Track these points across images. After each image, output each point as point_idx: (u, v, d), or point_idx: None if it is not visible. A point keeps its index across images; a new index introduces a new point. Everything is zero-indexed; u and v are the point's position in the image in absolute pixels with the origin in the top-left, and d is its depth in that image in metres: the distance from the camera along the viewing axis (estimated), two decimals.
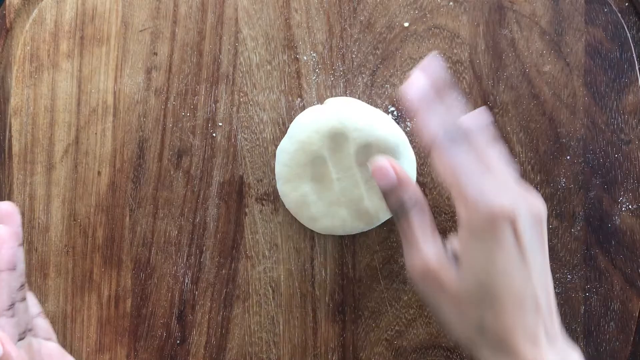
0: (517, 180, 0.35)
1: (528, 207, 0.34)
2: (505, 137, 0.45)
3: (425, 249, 0.36)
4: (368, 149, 0.42)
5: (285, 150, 0.43)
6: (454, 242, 0.37)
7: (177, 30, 0.46)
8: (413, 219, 0.36)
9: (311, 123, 0.43)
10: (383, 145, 0.42)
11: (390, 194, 0.37)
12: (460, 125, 0.35)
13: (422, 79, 0.35)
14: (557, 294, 0.45)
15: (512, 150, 0.45)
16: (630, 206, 0.45)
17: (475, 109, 0.45)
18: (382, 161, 0.37)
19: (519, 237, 0.33)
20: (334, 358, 0.46)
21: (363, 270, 0.46)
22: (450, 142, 0.34)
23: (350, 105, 0.43)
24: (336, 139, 0.42)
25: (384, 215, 0.43)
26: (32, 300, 0.39)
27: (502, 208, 0.33)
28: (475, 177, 0.34)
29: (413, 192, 0.37)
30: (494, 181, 0.34)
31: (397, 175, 0.37)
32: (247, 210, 0.46)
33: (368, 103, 0.45)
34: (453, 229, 0.45)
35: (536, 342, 0.34)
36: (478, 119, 0.36)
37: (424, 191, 0.45)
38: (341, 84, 0.45)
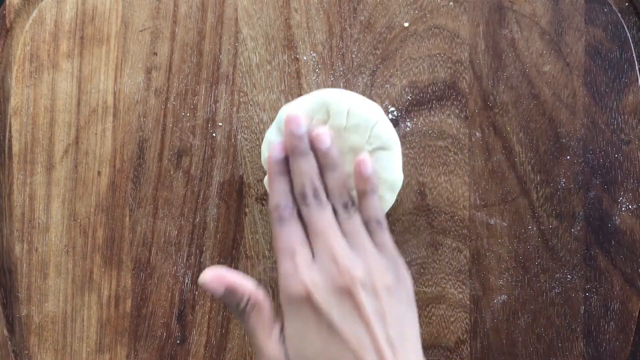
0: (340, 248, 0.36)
1: (331, 281, 0.35)
2: (504, 137, 0.45)
3: (265, 348, 0.36)
4: (358, 137, 0.41)
5: (271, 137, 0.42)
6: None
7: (177, 30, 0.46)
8: (251, 321, 0.37)
9: (296, 108, 0.42)
10: (371, 135, 0.41)
11: (225, 299, 0.38)
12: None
13: (278, 147, 0.39)
14: (556, 294, 0.45)
15: (511, 150, 0.45)
16: (630, 206, 0.45)
17: (475, 109, 0.45)
18: (207, 275, 0.37)
19: (320, 310, 0.35)
20: None
21: None
22: (278, 219, 0.37)
23: (340, 93, 0.42)
24: (319, 116, 0.41)
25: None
26: None
27: (295, 290, 0.35)
28: (283, 257, 0.36)
29: (246, 294, 0.37)
30: (303, 261, 0.36)
31: (226, 284, 0.37)
32: (247, 210, 0.46)
33: None
34: (453, 229, 0.45)
35: None
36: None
37: (423, 191, 0.45)
38: (341, 84, 0.45)
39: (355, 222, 0.38)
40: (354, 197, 0.39)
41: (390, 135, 0.42)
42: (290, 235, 0.37)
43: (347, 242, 0.37)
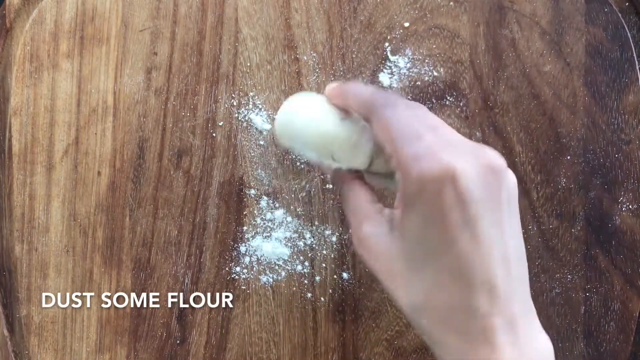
0: (465, 139, 0.31)
1: (476, 160, 0.29)
2: (505, 137, 0.45)
3: (357, 231, 0.33)
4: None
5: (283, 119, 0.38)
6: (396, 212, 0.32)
7: (177, 30, 0.46)
8: (348, 194, 0.34)
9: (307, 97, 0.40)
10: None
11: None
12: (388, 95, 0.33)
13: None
14: (557, 294, 0.45)
15: (512, 150, 0.45)
16: (630, 206, 0.45)
17: (475, 109, 0.45)
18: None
19: (462, 198, 0.28)
20: (334, 358, 0.46)
21: (363, 270, 0.46)
22: (387, 103, 0.32)
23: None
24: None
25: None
26: None
27: (438, 167, 0.28)
28: (411, 136, 0.30)
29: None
30: (433, 140, 0.30)
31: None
32: (247, 210, 0.46)
33: None
34: None
35: (485, 328, 0.28)
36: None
37: None
38: None
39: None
40: None
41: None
42: (409, 116, 0.31)
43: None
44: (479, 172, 0.29)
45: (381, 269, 0.32)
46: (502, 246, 0.29)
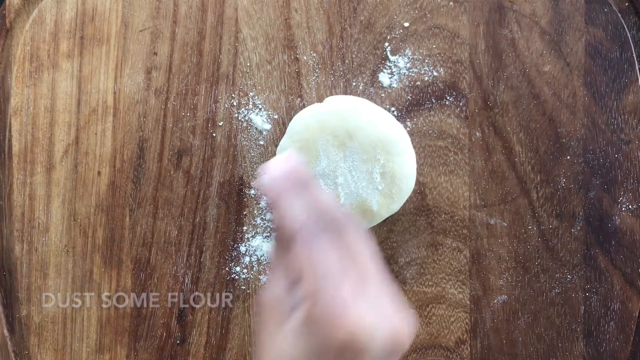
0: (384, 286, 0.30)
1: (385, 334, 0.28)
2: (505, 137, 0.45)
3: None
4: (370, 147, 0.42)
5: (286, 149, 0.43)
6: None
7: (177, 30, 0.46)
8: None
9: (312, 121, 0.43)
10: (385, 143, 0.42)
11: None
12: (327, 213, 0.30)
13: (280, 165, 0.32)
14: (556, 294, 0.45)
15: (512, 150, 0.45)
16: (630, 206, 0.45)
17: (475, 109, 0.45)
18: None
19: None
20: None
21: None
22: (314, 232, 0.30)
23: (352, 102, 0.43)
24: (338, 137, 0.42)
25: (386, 212, 0.43)
26: None
27: (351, 335, 0.27)
28: (332, 281, 0.28)
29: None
30: (352, 291, 0.28)
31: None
32: (247, 210, 0.46)
33: None
34: (453, 229, 0.45)
35: None
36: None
37: (423, 191, 0.45)
38: (341, 84, 0.45)
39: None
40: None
41: (411, 156, 0.44)
42: (327, 252, 0.30)
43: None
44: (382, 353, 0.28)
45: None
46: None
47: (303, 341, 0.29)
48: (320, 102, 0.45)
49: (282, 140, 0.44)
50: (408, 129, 0.45)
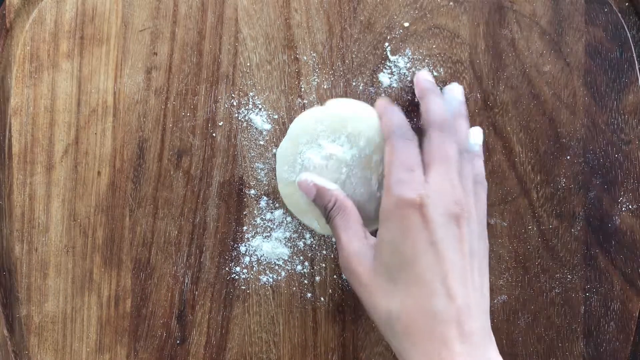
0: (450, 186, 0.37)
1: (444, 204, 0.36)
2: (505, 137, 0.45)
3: (347, 247, 0.39)
4: (371, 150, 0.42)
5: (286, 152, 0.43)
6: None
7: (177, 30, 0.46)
8: (336, 221, 0.40)
9: (312, 124, 0.43)
10: (384, 149, 0.42)
11: (316, 201, 0.42)
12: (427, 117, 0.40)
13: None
14: (557, 294, 0.45)
15: (512, 150, 0.45)
16: (630, 206, 0.45)
17: (475, 109, 0.45)
18: (302, 177, 0.42)
19: (428, 223, 0.36)
20: (334, 358, 0.46)
21: None
22: (399, 136, 0.39)
23: (353, 106, 0.43)
24: (339, 141, 0.42)
25: None
26: None
27: (410, 195, 0.36)
28: (405, 166, 0.38)
29: (333, 198, 0.41)
30: (419, 177, 0.37)
31: (316, 187, 0.41)
32: (247, 210, 0.46)
33: (368, 103, 0.45)
34: None
35: (443, 334, 0.34)
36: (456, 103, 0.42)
37: None
38: (341, 84, 0.45)
39: (468, 165, 0.40)
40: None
41: None
42: (411, 153, 0.38)
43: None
44: (443, 212, 0.36)
45: (366, 282, 0.38)
46: (460, 266, 0.36)
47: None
48: (322, 105, 0.45)
49: (282, 143, 0.44)
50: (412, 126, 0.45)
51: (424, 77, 0.43)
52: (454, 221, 0.36)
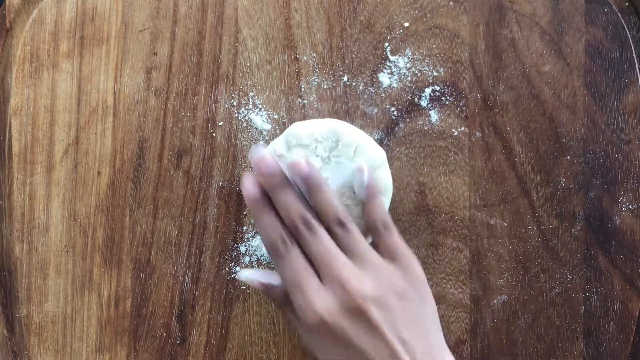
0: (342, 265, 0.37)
1: (341, 301, 0.36)
2: (505, 137, 0.45)
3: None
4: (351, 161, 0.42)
5: (280, 152, 0.43)
6: None
7: (177, 30, 0.46)
8: (286, 314, 0.40)
9: (304, 129, 0.42)
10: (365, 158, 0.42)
11: (265, 293, 0.40)
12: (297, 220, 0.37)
13: (250, 186, 0.38)
14: (557, 294, 0.45)
15: (512, 150, 0.45)
16: (630, 206, 0.45)
17: (475, 109, 0.45)
18: (247, 274, 0.40)
19: (335, 334, 0.36)
20: None
21: None
22: (276, 256, 0.38)
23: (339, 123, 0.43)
24: (326, 151, 0.42)
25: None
26: None
27: (312, 318, 0.36)
28: (295, 287, 0.37)
29: (282, 291, 0.40)
30: (308, 289, 0.37)
31: (263, 282, 0.40)
32: (247, 210, 0.46)
33: (368, 103, 0.45)
34: (453, 229, 0.45)
35: None
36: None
37: (423, 191, 0.45)
38: (341, 84, 0.45)
39: (353, 236, 0.38)
40: (346, 212, 0.38)
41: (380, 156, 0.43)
42: (292, 269, 0.37)
43: (350, 260, 0.37)
44: (344, 309, 0.36)
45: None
46: (384, 346, 0.36)
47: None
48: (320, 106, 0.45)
49: (276, 142, 0.43)
50: (408, 128, 0.45)
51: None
52: (358, 313, 0.36)
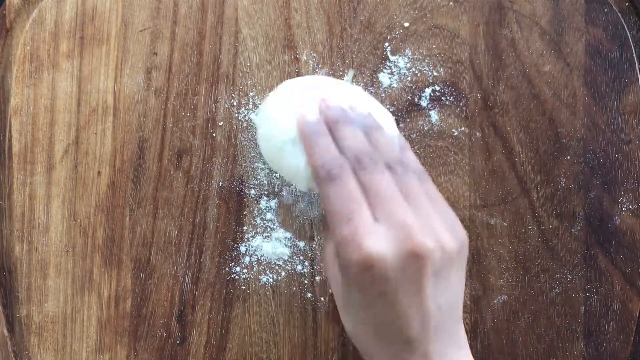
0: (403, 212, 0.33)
1: (397, 246, 0.32)
2: (505, 137, 0.45)
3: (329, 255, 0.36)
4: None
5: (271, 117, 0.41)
6: None
7: (177, 30, 0.46)
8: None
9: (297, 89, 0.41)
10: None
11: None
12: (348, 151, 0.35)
13: (310, 111, 0.37)
14: (557, 294, 0.45)
15: (512, 150, 0.45)
16: (630, 206, 0.45)
17: (475, 109, 0.45)
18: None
19: (378, 280, 0.32)
20: (334, 358, 0.46)
21: None
22: (328, 177, 0.34)
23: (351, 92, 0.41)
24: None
25: None
26: None
27: (357, 256, 0.31)
28: (342, 218, 0.32)
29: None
30: (359, 224, 0.32)
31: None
32: (247, 210, 0.46)
33: None
34: None
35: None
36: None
37: None
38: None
39: (412, 181, 0.34)
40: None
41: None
42: (344, 195, 0.33)
43: (409, 206, 0.33)
44: (398, 257, 0.32)
45: (337, 298, 0.37)
46: (419, 309, 0.32)
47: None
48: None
49: (264, 103, 0.42)
50: (408, 128, 0.45)
51: (325, 105, 0.38)
52: (413, 263, 0.32)
